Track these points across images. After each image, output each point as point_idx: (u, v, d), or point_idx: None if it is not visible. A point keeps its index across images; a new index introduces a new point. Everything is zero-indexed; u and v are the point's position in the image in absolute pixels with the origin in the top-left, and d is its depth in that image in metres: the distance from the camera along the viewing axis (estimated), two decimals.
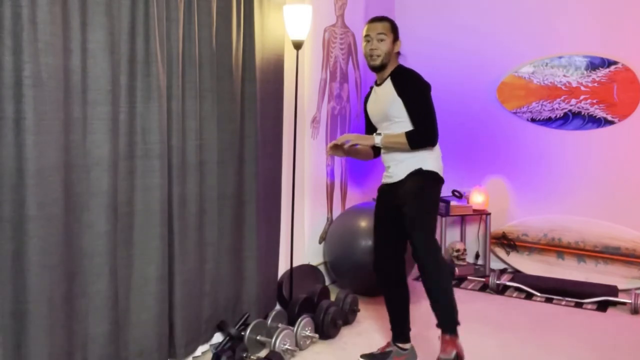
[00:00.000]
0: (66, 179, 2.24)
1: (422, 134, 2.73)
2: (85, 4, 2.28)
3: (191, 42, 2.78)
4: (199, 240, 2.91)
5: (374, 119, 2.95)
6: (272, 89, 3.40)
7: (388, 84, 2.82)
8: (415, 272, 4.57)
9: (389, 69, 2.84)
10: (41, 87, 2.10)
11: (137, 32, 2.50)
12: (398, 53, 2.87)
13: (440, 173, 2.83)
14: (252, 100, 3.21)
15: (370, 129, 3.01)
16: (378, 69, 2.84)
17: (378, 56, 2.79)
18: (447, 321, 2.65)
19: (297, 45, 3.43)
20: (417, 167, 2.78)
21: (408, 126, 2.77)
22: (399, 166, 2.82)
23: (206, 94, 2.91)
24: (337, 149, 2.89)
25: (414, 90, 2.77)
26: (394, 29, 2.85)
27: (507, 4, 4.61)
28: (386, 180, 2.93)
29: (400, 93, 2.76)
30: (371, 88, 3.00)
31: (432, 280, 2.63)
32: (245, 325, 3.05)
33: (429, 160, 2.79)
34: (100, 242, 2.39)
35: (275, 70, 3.43)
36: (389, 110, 2.80)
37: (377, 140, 2.79)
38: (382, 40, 2.78)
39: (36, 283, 2.11)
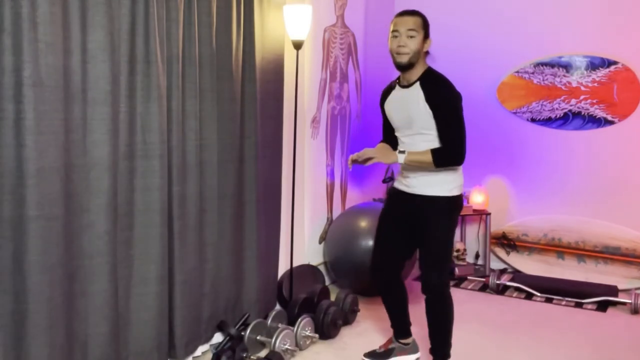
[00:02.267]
0: (66, 179, 2.24)
1: (450, 154, 2.57)
2: (85, 4, 2.28)
3: (191, 42, 2.78)
4: (199, 240, 2.91)
5: (395, 122, 2.74)
6: (272, 89, 3.40)
7: (416, 90, 2.60)
8: (415, 272, 4.57)
9: (417, 70, 2.62)
10: (41, 87, 2.10)
11: (137, 32, 2.50)
12: (427, 53, 2.66)
13: (462, 190, 2.76)
14: (252, 100, 3.21)
15: (388, 128, 2.84)
16: (404, 68, 2.60)
17: (407, 54, 2.55)
18: (441, 352, 2.79)
19: (297, 45, 3.43)
20: (439, 188, 2.64)
21: (432, 138, 2.60)
22: (420, 179, 2.67)
23: (206, 94, 2.91)
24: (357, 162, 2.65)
25: (446, 102, 2.56)
26: (426, 26, 2.62)
27: (507, 4, 4.61)
28: (401, 187, 2.77)
29: (432, 105, 2.55)
30: (391, 86, 2.78)
31: (436, 316, 2.75)
32: (245, 325, 3.05)
33: (451, 178, 2.67)
34: (100, 242, 2.39)
35: (275, 70, 3.43)
36: (415, 120, 2.60)
37: (400, 159, 2.59)
38: (412, 37, 2.55)
39: (36, 283, 2.12)
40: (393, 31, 2.61)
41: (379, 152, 2.62)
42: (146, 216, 2.60)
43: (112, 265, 2.44)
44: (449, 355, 2.80)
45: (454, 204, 2.71)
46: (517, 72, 4.59)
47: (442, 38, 4.80)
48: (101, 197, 2.38)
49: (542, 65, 4.50)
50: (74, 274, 2.32)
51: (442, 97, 2.57)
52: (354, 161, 2.63)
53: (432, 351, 2.81)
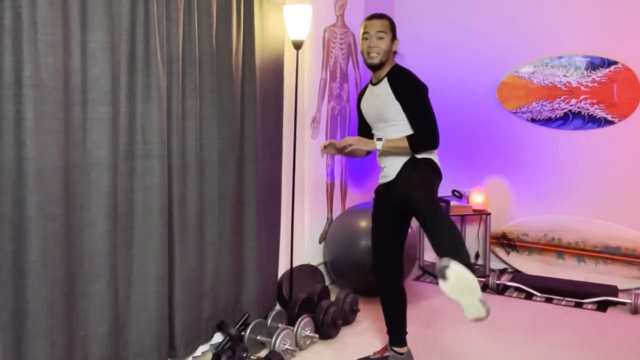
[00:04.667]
0: (66, 179, 2.24)
1: (424, 138, 2.70)
2: (85, 4, 2.28)
3: (191, 42, 2.78)
4: (199, 240, 2.91)
5: (368, 118, 2.90)
6: (272, 89, 3.40)
7: (385, 85, 2.77)
8: (415, 272, 4.57)
9: (386, 68, 2.79)
10: (41, 87, 2.10)
11: (137, 32, 2.50)
12: (395, 52, 2.84)
13: (437, 162, 2.78)
14: (252, 100, 3.21)
15: (364, 127, 2.97)
16: (375, 67, 2.79)
17: (377, 54, 2.74)
18: (459, 256, 2.17)
19: (297, 45, 3.43)
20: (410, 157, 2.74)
21: (404, 128, 2.74)
22: (395, 166, 2.78)
23: (206, 94, 2.91)
24: (332, 148, 2.84)
25: (412, 92, 2.72)
26: (393, 28, 2.80)
27: (507, 4, 4.60)
28: (382, 180, 2.89)
29: (398, 95, 2.71)
30: (366, 86, 2.95)
31: (437, 223, 2.34)
32: (245, 325, 3.05)
33: (423, 154, 2.76)
34: (100, 242, 2.39)
35: (275, 70, 3.43)
36: (386, 112, 2.76)
37: (378, 145, 2.74)
38: (381, 38, 2.74)
39: (36, 283, 2.12)
40: (363, 33, 2.79)
41: (358, 141, 2.80)
42: (146, 216, 2.60)
43: (112, 265, 2.44)
44: (470, 264, 2.18)
45: (426, 160, 2.73)
46: (517, 72, 4.59)
47: (442, 37, 4.81)
48: (101, 197, 2.38)
49: (542, 65, 4.50)
50: (74, 274, 2.32)
51: (409, 88, 2.73)
52: (328, 146, 2.82)
53: (444, 257, 2.16)
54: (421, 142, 2.71)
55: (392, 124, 2.76)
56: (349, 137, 2.79)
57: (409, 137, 2.70)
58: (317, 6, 3.88)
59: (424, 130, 2.70)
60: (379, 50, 2.74)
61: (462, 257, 2.17)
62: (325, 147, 2.83)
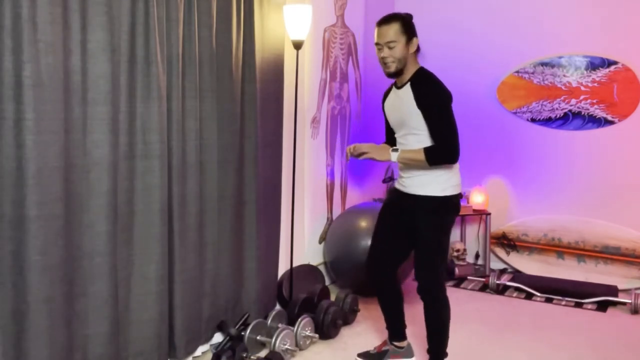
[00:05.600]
0: (66, 179, 2.24)
1: (443, 152, 2.58)
2: (85, 4, 2.28)
3: (191, 42, 2.78)
4: (199, 240, 2.91)
5: (391, 121, 2.80)
6: (272, 89, 3.40)
7: (407, 90, 2.64)
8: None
9: (409, 71, 2.66)
10: (41, 87, 2.10)
11: (137, 32, 2.50)
12: (418, 50, 2.67)
13: (458, 190, 2.73)
14: (252, 100, 3.21)
15: (389, 131, 2.88)
16: (394, 76, 2.67)
17: (392, 62, 2.61)
18: (438, 352, 2.80)
19: (297, 45, 3.43)
20: (431, 188, 2.65)
21: (426, 138, 2.62)
22: (414, 180, 2.70)
23: (206, 94, 2.91)
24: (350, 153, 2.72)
25: (435, 102, 2.58)
26: (406, 29, 2.61)
27: (507, 4, 4.61)
28: (399, 186, 2.81)
29: (421, 105, 2.58)
30: (390, 87, 2.83)
31: (432, 317, 2.76)
32: (245, 325, 3.05)
33: (444, 177, 2.67)
34: (100, 242, 2.39)
35: (275, 70, 3.43)
36: (408, 120, 2.64)
37: (393, 157, 2.63)
38: (392, 47, 2.59)
39: (36, 283, 2.12)
40: (376, 44, 2.66)
41: (373, 149, 2.67)
42: (146, 216, 2.60)
43: (112, 265, 2.44)
44: (444, 355, 2.81)
45: (447, 204, 2.70)
46: (517, 72, 4.59)
47: (442, 37, 4.81)
48: (101, 197, 2.38)
49: (542, 65, 4.50)
50: (74, 274, 2.32)
51: (431, 97, 2.60)
52: (351, 154, 2.71)
53: (428, 350, 2.82)
54: (439, 156, 2.59)
55: (413, 132, 2.65)
56: (363, 145, 2.66)
57: (426, 150, 2.58)
58: (317, 6, 3.88)
59: (443, 143, 2.57)
60: (393, 58, 2.60)
61: (439, 353, 2.80)
62: (351, 152, 2.69)
